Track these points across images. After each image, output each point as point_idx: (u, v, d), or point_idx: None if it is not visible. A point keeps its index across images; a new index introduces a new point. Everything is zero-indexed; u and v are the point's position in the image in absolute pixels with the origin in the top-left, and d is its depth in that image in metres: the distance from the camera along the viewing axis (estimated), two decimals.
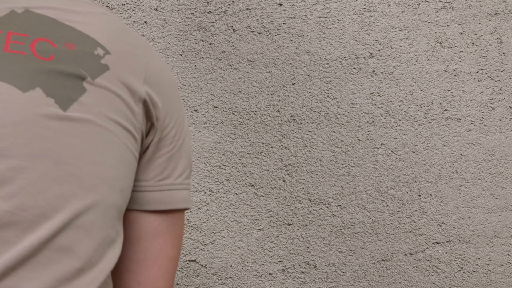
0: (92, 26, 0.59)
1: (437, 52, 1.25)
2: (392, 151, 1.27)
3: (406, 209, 1.29)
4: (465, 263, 1.33)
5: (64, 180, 0.52)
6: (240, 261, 1.28)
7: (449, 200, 1.30)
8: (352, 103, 1.25)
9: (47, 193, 0.51)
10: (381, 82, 1.25)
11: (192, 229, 1.26)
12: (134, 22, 1.18)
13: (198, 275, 1.28)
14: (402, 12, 1.24)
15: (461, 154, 1.29)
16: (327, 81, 1.24)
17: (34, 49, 0.54)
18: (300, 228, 1.28)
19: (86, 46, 0.57)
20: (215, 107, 1.23)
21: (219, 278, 1.28)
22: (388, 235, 1.30)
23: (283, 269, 1.29)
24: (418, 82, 1.26)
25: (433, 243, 1.31)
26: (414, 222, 1.30)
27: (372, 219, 1.29)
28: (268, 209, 1.27)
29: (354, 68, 1.24)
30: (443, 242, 1.31)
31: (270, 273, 1.29)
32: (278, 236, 1.28)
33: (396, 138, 1.27)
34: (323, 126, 1.25)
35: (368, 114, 1.26)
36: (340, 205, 1.28)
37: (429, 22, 1.24)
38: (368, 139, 1.26)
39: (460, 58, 1.26)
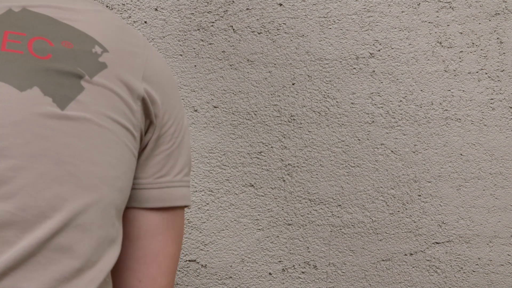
0: (90, 24, 0.59)
1: (437, 52, 1.25)
2: (392, 151, 1.27)
3: (406, 209, 1.29)
4: (465, 263, 1.32)
5: (63, 180, 0.52)
6: (240, 261, 1.28)
7: (449, 200, 1.30)
8: (352, 103, 1.25)
9: (46, 192, 0.51)
10: (381, 82, 1.25)
11: (192, 229, 1.26)
12: (134, 22, 1.18)
13: (198, 275, 1.27)
14: (402, 12, 1.23)
15: (461, 154, 1.29)
16: (327, 81, 1.24)
17: (31, 48, 0.54)
18: (300, 228, 1.28)
19: (84, 45, 0.57)
20: (215, 107, 1.22)
21: (219, 278, 1.28)
22: (388, 235, 1.30)
23: (283, 269, 1.29)
24: (418, 82, 1.26)
25: (433, 243, 1.31)
26: (414, 222, 1.30)
27: (372, 219, 1.29)
28: (268, 209, 1.27)
29: (354, 68, 1.24)
30: (443, 242, 1.31)
31: (270, 273, 1.29)
32: (278, 236, 1.28)
33: (396, 138, 1.27)
34: (323, 126, 1.25)
35: (368, 114, 1.25)
36: (340, 205, 1.28)
37: (429, 22, 1.24)
38: (368, 139, 1.26)
39: (460, 58, 1.26)
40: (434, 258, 1.31)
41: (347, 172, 1.27)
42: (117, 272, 0.63)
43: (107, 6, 1.17)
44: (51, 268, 0.50)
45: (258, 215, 1.27)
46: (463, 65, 1.26)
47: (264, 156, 1.25)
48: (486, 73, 1.26)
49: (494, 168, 1.29)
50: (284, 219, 1.27)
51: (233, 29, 1.20)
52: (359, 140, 1.26)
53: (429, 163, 1.28)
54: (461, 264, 1.32)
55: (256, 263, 1.28)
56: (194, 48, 1.20)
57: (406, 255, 1.31)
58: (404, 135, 1.27)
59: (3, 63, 0.52)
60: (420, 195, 1.29)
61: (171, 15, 1.19)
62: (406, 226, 1.30)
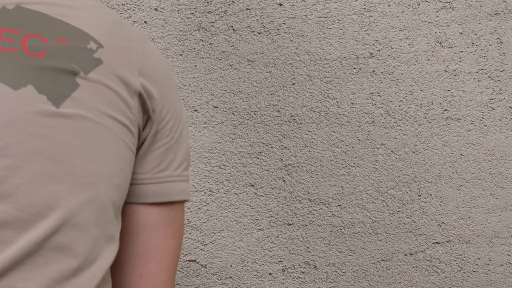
0: (85, 20, 0.58)
1: (437, 52, 1.24)
2: (392, 151, 1.27)
3: (406, 209, 1.29)
4: (465, 263, 1.32)
5: (59, 178, 0.51)
6: (240, 261, 1.27)
7: (449, 200, 1.29)
8: (352, 103, 1.24)
9: (42, 191, 0.50)
10: (381, 82, 1.24)
11: (192, 229, 1.25)
12: (134, 22, 1.18)
13: (198, 275, 1.27)
14: (402, 12, 1.23)
15: (461, 154, 1.28)
16: (327, 81, 1.23)
17: (25, 46, 0.53)
18: (300, 228, 1.27)
19: (78, 41, 0.56)
20: (215, 107, 1.22)
21: (219, 278, 1.27)
22: (388, 235, 1.29)
23: (283, 269, 1.28)
24: (418, 82, 1.25)
25: (433, 243, 1.30)
26: (414, 222, 1.29)
27: (372, 219, 1.28)
28: (268, 209, 1.26)
29: (354, 68, 1.23)
30: (443, 242, 1.31)
31: (270, 273, 1.29)
32: (278, 236, 1.27)
33: (396, 138, 1.26)
34: (323, 126, 1.24)
35: (368, 114, 1.25)
36: (340, 205, 1.27)
37: (429, 22, 1.24)
38: (368, 139, 1.26)
39: (460, 58, 1.25)
40: (434, 258, 1.31)
41: (347, 172, 1.26)
42: (118, 268, 0.62)
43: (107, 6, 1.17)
44: (49, 268, 0.49)
45: (258, 215, 1.26)
46: (463, 65, 1.25)
47: (264, 156, 1.24)
48: (486, 73, 1.26)
49: (494, 168, 1.29)
50: (284, 219, 1.27)
51: (233, 29, 1.20)
52: (359, 140, 1.25)
53: (429, 163, 1.27)
54: (461, 264, 1.32)
55: (256, 263, 1.28)
56: (194, 48, 1.20)
57: (406, 255, 1.30)
58: (404, 135, 1.26)
59: None
60: (420, 195, 1.28)
61: (171, 15, 1.18)
62: (406, 226, 1.29)
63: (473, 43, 1.25)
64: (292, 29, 1.21)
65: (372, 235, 1.29)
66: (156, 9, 1.18)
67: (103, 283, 0.56)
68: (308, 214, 1.27)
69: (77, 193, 0.52)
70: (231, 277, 1.27)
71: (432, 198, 1.28)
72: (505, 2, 1.24)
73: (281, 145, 1.24)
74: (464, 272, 1.32)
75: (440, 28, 1.23)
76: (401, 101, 1.25)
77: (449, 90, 1.25)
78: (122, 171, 0.57)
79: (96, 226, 0.54)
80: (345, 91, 1.23)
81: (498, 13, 1.24)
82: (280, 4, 1.20)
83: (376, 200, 1.27)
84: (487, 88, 1.26)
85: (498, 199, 1.30)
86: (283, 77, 1.22)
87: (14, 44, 0.53)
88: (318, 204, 1.26)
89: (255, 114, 1.23)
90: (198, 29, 1.19)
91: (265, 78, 1.22)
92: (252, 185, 1.25)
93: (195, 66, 1.20)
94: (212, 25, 1.19)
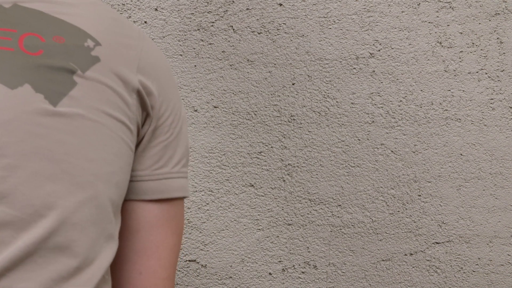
0: (83, 18, 0.58)
1: (437, 52, 1.24)
2: (392, 151, 1.26)
3: (406, 209, 1.28)
4: (465, 263, 1.31)
5: (57, 178, 0.51)
6: (240, 261, 1.27)
7: (449, 200, 1.29)
8: (352, 103, 1.24)
9: (40, 191, 0.50)
10: (381, 82, 1.24)
11: (192, 229, 1.25)
12: (134, 22, 1.17)
13: (198, 275, 1.27)
14: (402, 12, 1.23)
15: (461, 154, 1.28)
16: (327, 81, 1.23)
17: (22, 45, 0.53)
18: (300, 228, 1.27)
19: (75, 39, 0.55)
20: (215, 107, 1.22)
21: (219, 278, 1.27)
22: (388, 235, 1.29)
23: (283, 269, 1.28)
24: (418, 82, 1.25)
25: (433, 243, 1.30)
26: (414, 222, 1.29)
27: (372, 219, 1.28)
28: (268, 209, 1.26)
29: (354, 68, 1.23)
30: (443, 242, 1.30)
31: (270, 273, 1.28)
32: (278, 236, 1.27)
33: (396, 138, 1.26)
34: (323, 126, 1.24)
35: (368, 114, 1.25)
36: (340, 205, 1.27)
37: (429, 22, 1.23)
38: (368, 139, 1.25)
39: (460, 58, 1.25)
40: (434, 258, 1.30)
41: (347, 172, 1.26)
42: (117, 265, 0.62)
43: None
44: (48, 268, 0.49)
45: (258, 215, 1.26)
46: (463, 65, 1.25)
47: (264, 156, 1.24)
48: (486, 73, 1.26)
49: (494, 168, 1.29)
50: (284, 219, 1.26)
51: (233, 29, 1.20)
52: (359, 140, 1.25)
53: (429, 163, 1.27)
54: (461, 264, 1.31)
55: (256, 263, 1.27)
56: (194, 48, 1.19)
57: (406, 255, 1.30)
58: (404, 135, 1.26)
59: None
60: (420, 195, 1.28)
61: (171, 15, 1.18)
62: (406, 226, 1.29)
63: (473, 43, 1.24)
64: (292, 29, 1.21)
65: (372, 235, 1.28)
66: (156, 9, 1.17)
67: (103, 282, 0.56)
68: (308, 214, 1.26)
69: (75, 192, 0.52)
70: (231, 277, 1.27)
71: (432, 198, 1.28)
72: (505, 2, 1.24)
73: (281, 145, 1.24)
74: (464, 272, 1.31)
75: (440, 28, 1.23)
76: (401, 101, 1.24)
77: (449, 90, 1.25)
78: (121, 169, 0.57)
79: (95, 225, 0.53)
80: (345, 91, 1.23)
81: (498, 13, 1.24)
82: (280, 4, 1.20)
83: (376, 200, 1.27)
84: (487, 88, 1.26)
85: (498, 199, 1.30)
86: (283, 77, 1.22)
87: (11, 43, 0.52)
88: (318, 204, 1.26)
89: (255, 114, 1.22)
90: (198, 29, 1.19)
91: (265, 78, 1.21)
92: (252, 185, 1.24)
93: (195, 66, 1.20)
94: (212, 25, 1.19)
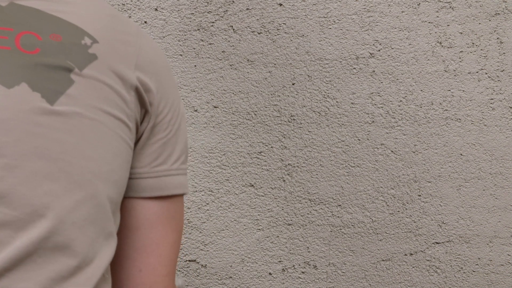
0: (80, 15, 0.57)
1: (437, 52, 1.24)
2: (392, 151, 1.26)
3: (406, 209, 1.28)
4: (465, 263, 1.31)
5: (55, 177, 0.50)
6: (240, 261, 1.27)
7: (449, 200, 1.29)
8: (352, 103, 1.24)
9: (38, 191, 0.49)
10: (381, 82, 1.24)
11: (192, 229, 1.25)
12: (134, 22, 1.17)
13: (198, 275, 1.26)
14: (402, 12, 1.22)
15: (461, 154, 1.28)
16: (327, 81, 1.23)
17: (18, 43, 0.52)
18: (300, 228, 1.27)
19: (72, 37, 0.55)
20: (215, 107, 1.21)
21: (219, 278, 1.27)
22: (388, 235, 1.29)
23: (283, 269, 1.28)
24: (418, 82, 1.24)
25: (433, 243, 1.30)
26: (414, 222, 1.29)
27: (372, 219, 1.28)
28: (268, 209, 1.25)
29: (354, 68, 1.23)
30: (443, 242, 1.30)
31: (270, 273, 1.28)
32: (278, 236, 1.27)
33: (396, 138, 1.26)
34: (323, 126, 1.24)
35: (368, 114, 1.24)
36: (340, 205, 1.27)
37: (429, 22, 1.23)
38: (368, 139, 1.25)
39: (460, 58, 1.24)
40: (434, 258, 1.30)
41: (347, 172, 1.26)
42: (117, 262, 0.61)
43: None
44: (47, 268, 0.49)
45: (258, 215, 1.25)
46: (463, 65, 1.25)
47: (264, 156, 1.24)
48: (486, 73, 1.25)
49: (494, 168, 1.28)
50: (284, 219, 1.26)
51: (233, 29, 1.19)
52: (359, 140, 1.25)
53: (429, 163, 1.27)
54: (461, 264, 1.31)
55: (256, 263, 1.27)
56: (194, 48, 1.19)
57: (406, 255, 1.30)
58: (404, 135, 1.26)
59: None
60: (420, 195, 1.28)
61: (171, 15, 1.18)
62: (406, 226, 1.28)
63: (473, 43, 1.24)
64: (292, 29, 1.20)
65: (372, 235, 1.28)
66: (156, 9, 1.17)
67: (103, 281, 0.55)
68: (308, 214, 1.26)
69: (73, 191, 0.51)
70: (231, 277, 1.27)
71: (432, 198, 1.28)
72: (505, 2, 1.24)
73: (281, 145, 1.23)
74: (464, 272, 1.31)
75: (440, 28, 1.23)
76: (401, 101, 1.24)
77: (449, 90, 1.25)
78: (120, 167, 0.56)
79: (94, 224, 0.53)
80: (345, 91, 1.23)
81: (498, 13, 1.24)
82: (280, 4, 1.20)
83: (376, 200, 1.27)
84: (487, 88, 1.26)
85: (498, 199, 1.29)
86: (283, 77, 1.21)
87: (7, 42, 0.52)
88: (318, 204, 1.26)
89: (255, 114, 1.22)
90: (198, 29, 1.18)
91: (265, 78, 1.21)
92: (252, 185, 1.24)
93: (195, 66, 1.19)
94: (212, 25, 1.19)
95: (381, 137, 1.24)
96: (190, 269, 1.25)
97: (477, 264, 1.31)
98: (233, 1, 1.18)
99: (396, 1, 1.21)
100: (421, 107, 1.24)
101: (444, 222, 1.28)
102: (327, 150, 1.24)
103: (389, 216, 1.27)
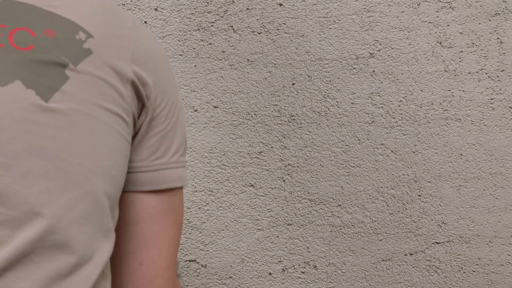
0: (74, 10, 0.56)
1: (437, 52, 1.23)
2: (392, 151, 1.26)
3: (406, 209, 1.27)
4: (465, 263, 1.31)
5: (51, 175, 0.50)
6: (240, 261, 1.26)
7: (449, 200, 1.28)
8: (352, 103, 1.23)
9: (34, 189, 0.49)
10: (381, 82, 1.23)
11: (192, 229, 1.24)
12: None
13: (198, 275, 1.26)
14: (402, 12, 1.22)
15: (461, 154, 1.27)
16: (327, 81, 1.22)
17: (12, 40, 0.52)
18: (300, 228, 1.26)
19: (67, 32, 0.54)
20: (215, 107, 1.21)
21: (219, 278, 1.26)
22: (388, 235, 1.28)
23: (283, 269, 1.27)
24: (418, 82, 1.24)
25: (433, 243, 1.29)
26: (414, 222, 1.28)
27: (372, 219, 1.27)
28: (268, 209, 1.25)
29: (354, 68, 1.22)
30: (443, 242, 1.30)
31: (270, 273, 1.27)
32: (278, 236, 1.26)
33: (396, 138, 1.25)
34: (323, 126, 1.23)
35: (368, 114, 1.24)
36: (340, 205, 1.26)
37: (429, 22, 1.23)
38: (368, 139, 1.25)
39: (460, 58, 1.24)
40: (434, 258, 1.30)
41: (347, 172, 1.25)
42: (117, 257, 0.60)
43: None
44: (45, 266, 0.48)
45: (258, 215, 1.25)
46: (463, 65, 1.24)
47: (264, 156, 1.23)
48: (486, 73, 1.25)
49: (494, 168, 1.28)
50: (284, 219, 1.26)
51: (233, 29, 1.19)
52: (359, 140, 1.24)
53: (429, 163, 1.26)
54: (461, 264, 1.30)
55: (256, 263, 1.27)
56: (194, 48, 1.19)
57: (406, 255, 1.29)
58: (404, 135, 1.25)
59: None
60: (420, 195, 1.27)
61: (171, 15, 1.17)
62: (406, 226, 1.28)
63: (473, 43, 1.23)
64: (292, 29, 1.20)
65: (372, 235, 1.28)
66: (156, 9, 1.17)
67: (102, 278, 0.55)
68: (308, 214, 1.26)
69: (70, 189, 0.51)
70: (231, 277, 1.26)
71: (432, 198, 1.27)
72: (505, 2, 1.23)
73: (281, 145, 1.23)
74: (464, 272, 1.31)
75: (440, 28, 1.22)
76: (401, 101, 1.24)
77: (449, 90, 1.24)
78: (117, 162, 0.55)
79: (92, 221, 0.52)
80: (345, 91, 1.23)
81: (498, 13, 1.23)
82: (280, 4, 1.19)
83: (376, 200, 1.26)
84: (487, 88, 1.25)
85: (498, 199, 1.29)
86: (283, 77, 1.21)
87: (1, 38, 0.51)
88: (318, 204, 1.25)
89: (255, 114, 1.22)
90: (198, 29, 1.18)
91: (265, 78, 1.21)
92: (252, 185, 1.24)
93: (195, 66, 1.19)
94: (212, 25, 1.18)
95: (381, 137, 1.24)
96: (190, 269, 1.25)
97: (477, 264, 1.30)
98: (233, 1, 1.17)
99: (396, 1, 1.21)
100: (421, 107, 1.24)
101: (444, 222, 1.28)
102: (327, 150, 1.23)
103: (389, 216, 1.27)
